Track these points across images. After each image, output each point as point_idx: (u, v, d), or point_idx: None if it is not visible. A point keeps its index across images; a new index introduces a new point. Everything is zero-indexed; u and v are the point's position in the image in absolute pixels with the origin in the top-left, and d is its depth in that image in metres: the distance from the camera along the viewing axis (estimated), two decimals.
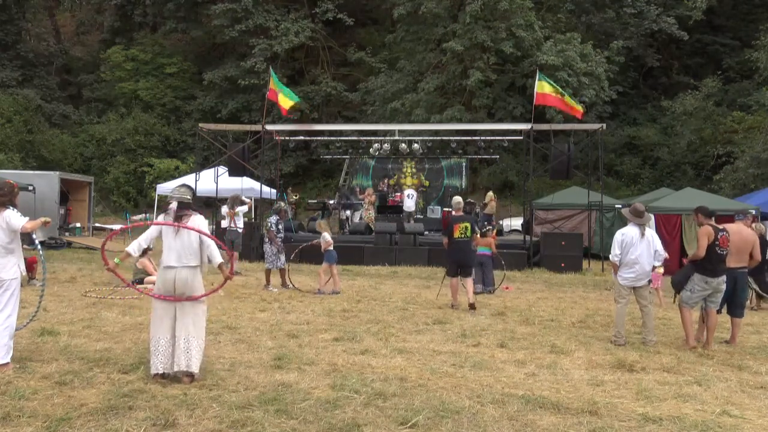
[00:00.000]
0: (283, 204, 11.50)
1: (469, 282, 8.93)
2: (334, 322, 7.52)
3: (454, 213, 9.32)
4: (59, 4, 37.86)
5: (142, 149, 29.03)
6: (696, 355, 6.29)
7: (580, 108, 14.98)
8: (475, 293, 9.92)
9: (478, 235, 9.77)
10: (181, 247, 4.95)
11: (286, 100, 16.03)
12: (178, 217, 5.01)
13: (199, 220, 5.06)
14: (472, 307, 8.61)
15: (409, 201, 18.02)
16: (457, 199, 9.52)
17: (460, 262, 8.93)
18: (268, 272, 10.42)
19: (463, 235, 8.89)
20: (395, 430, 3.98)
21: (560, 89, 15.19)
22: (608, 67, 24.63)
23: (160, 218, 5.16)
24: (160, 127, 30.18)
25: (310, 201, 22.28)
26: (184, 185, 5.26)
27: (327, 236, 10.54)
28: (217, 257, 5.05)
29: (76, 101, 34.12)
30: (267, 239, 10.49)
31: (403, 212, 17.98)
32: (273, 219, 10.52)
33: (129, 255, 5.22)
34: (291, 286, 10.39)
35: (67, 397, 4.41)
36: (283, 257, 10.44)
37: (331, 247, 10.36)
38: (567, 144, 15.36)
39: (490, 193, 17.83)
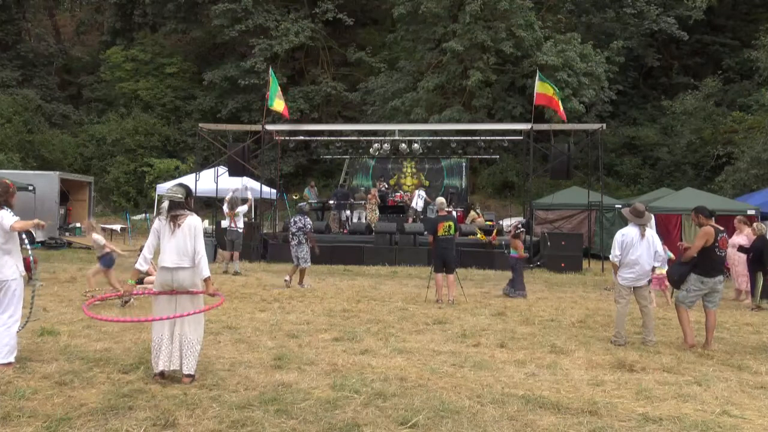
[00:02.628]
0: (306, 204, 11.77)
1: (451, 278, 9.34)
2: (334, 322, 7.52)
3: (437, 213, 9.85)
4: (59, 4, 37.88)
5: (142, 149, 29.04)
6: (696, 355, 6.28)
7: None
8: (510, 296, 9.96)
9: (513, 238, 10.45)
10: (176, 248, 4.87)
11: (279, 103, 16.20)
12: (173, 218, 4.91)
13: (194, 221, 4.96)
14: (449, 303, 9.06)
15: (420, 201, 18.35)
16: (440, 199, 10.21)
17: (445, 259, 9.40)
18: (303, 271, 10.78)
19: (446, 233, 9.35)
20: (395, 430, 3.97)
21: (556, 90, 15.13)
22: (608, 67, 24.64)
23: (156, 221, 5.11)
24: (160, 127, 30.19)
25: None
26: (177, 184, 5.16)
27: (100, 240, 9.13)
28: (205, 270, 4.92)
29: (76, 101, 34.14)
30: (305, 239, 10.67)
31: (411, 208, 18.30)
32: (308, 220, 10.85)
33: (139, 272, 5.19)
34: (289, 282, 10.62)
35: (67, 397, 4.41)
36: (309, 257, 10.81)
37: (108, 250, 9.09)
38: (567, 144, 15.38)
39: (472, 213, 17.87)
